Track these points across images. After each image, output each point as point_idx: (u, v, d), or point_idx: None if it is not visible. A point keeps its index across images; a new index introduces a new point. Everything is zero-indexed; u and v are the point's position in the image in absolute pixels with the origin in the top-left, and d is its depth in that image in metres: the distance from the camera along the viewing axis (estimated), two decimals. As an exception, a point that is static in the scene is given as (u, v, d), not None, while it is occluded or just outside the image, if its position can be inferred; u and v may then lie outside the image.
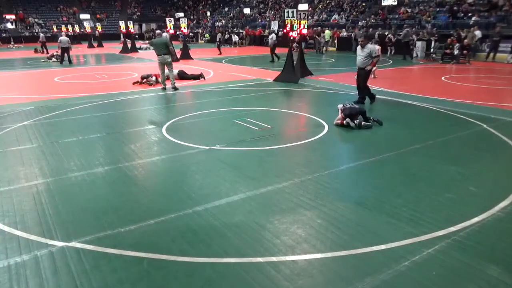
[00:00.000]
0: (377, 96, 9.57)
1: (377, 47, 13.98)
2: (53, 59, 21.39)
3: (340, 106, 7.60)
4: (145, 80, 12.94)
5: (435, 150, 6.12)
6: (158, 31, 13.01)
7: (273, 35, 20.37)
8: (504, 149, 6.18)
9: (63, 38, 20.21)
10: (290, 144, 6.49)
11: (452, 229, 3.75)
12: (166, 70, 11.72)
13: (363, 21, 28.27)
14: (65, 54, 19.96)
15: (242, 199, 4.45)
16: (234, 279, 3.08)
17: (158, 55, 11.44)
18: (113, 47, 33.02)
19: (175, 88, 11.74)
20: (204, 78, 14.06)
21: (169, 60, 11.51)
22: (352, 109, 7.34)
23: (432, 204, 4.29)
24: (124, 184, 4.96)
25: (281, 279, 3.06)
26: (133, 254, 3.39)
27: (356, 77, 9.64)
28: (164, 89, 11.79)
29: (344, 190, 4.75)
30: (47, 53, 24.61)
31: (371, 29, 26.02)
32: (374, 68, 14.05)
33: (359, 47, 9.28)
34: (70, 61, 20.13)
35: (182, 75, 13.98)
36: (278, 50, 19.85)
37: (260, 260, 3.30)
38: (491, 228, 3.79)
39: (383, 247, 3.46)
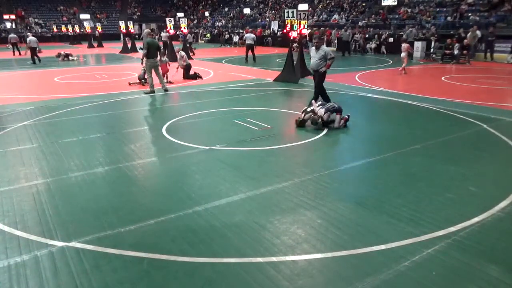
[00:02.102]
0: (377, 96, 9.55)
1: (406, 45, 14.63)
2: (70, 57, 22.17)
3: (316, 105, 7.50)
4: (142, 80, 12.92)
5: (435, 150, 6.12)
6: (147, 30, 12.14)
7: (249, 34, 20.36)
8: (504, 149, 6.18)
9: (32, 38, 20.84)
10: (290, 144, 6.49)
11: (452, 229, 3.75)
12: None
13: (363, 21, 28.27)
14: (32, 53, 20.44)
15: (242, 199, 4.45)
16: (234, 279, 3.08)
17: (149, 58, 10.87)
18: (113, 47, 32.99)
19: (166, 90, 11.57)
20: (201, 77, 14.19)
21: (158, 63, 11.37)
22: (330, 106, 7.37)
23: (432, 204, 4.29)
24: (124, 184, 4.97)
25: (281, 279, 3.06)
26: (133, 254, 3.39)
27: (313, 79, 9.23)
28: (153, 92, 11.32)
29: (344, 190, 4.75)
30: (20, 54, 25.53)
31: (371, 29, 26.05)
32: (402, 67, 14.35)
33: (313, 48, 8.87)
34: (35, 61, 20.33)
35: (188, 68, 14.27)
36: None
37: (260, 260, 3.30)
38: (491, 228, 3.80)
39: (383, 247, 3.46)
